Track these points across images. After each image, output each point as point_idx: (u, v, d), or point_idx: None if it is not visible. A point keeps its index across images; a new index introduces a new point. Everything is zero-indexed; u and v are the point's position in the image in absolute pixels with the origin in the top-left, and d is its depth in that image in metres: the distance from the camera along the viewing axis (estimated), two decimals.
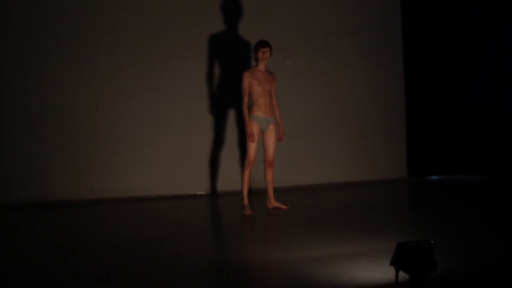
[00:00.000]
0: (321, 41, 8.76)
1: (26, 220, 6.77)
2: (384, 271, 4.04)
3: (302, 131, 8.56)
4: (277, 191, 7.09)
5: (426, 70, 9.25)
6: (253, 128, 6.62)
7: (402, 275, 3.62)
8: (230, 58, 8.32)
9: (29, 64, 7.60)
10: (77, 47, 7.75)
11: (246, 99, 6.64)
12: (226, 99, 8.22)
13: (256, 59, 6.72)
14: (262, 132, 6.75)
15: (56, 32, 7.69)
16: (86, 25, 7.79)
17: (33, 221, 6.75)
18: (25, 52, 7.58)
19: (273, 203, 6.88)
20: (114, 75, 7.89)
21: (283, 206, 6.87)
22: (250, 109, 6.65)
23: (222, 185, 8.25)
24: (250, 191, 7.24)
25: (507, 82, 8.97)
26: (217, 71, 8.28)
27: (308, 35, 8.69)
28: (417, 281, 3.59)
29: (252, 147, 6.63)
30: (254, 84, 6.63)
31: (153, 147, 8.04)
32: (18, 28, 7.55)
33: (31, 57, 7.60)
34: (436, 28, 9.19)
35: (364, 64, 8.99)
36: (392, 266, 3.63)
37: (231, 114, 8.29)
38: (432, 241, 3.70)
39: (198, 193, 8.20)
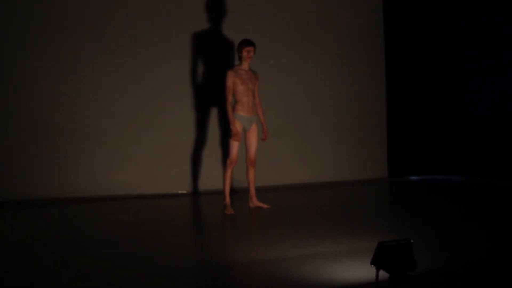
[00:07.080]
0: (303, 39, 8.78)
1: (6, 218, 6.72)
2: (365, 270, 4.08)
3: (283, 130, 8.59)
4: (259, 190, 7.09)
5: (408, 70, 9.30)
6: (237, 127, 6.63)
7: (383, 274, 3.65)
8: (213, 57, 8.31)
9: (10, 60, 7.54)
10: (60, 44, 7.70)
11: (230, 98, 6.63)
12: (208, 98, 8.21)
13: (240, 58, 6.71)
14: (245, 131, 6.76)
15: (40, 29, 7.63)
16: (69, 22, 7.74)
17: (14, 219, 6.70)
18: (8, 48, 7.53)
19: (255, 202, 6.89)
20: (96, 72, 7.85)
21: (265, 205, 6.88)
22: (233, 108, 6.65)
23: (204, 184, 8.25)
24: (232, 190, 7.24)
25: (489, 82, 9.06)
26: (200, 69, 8.27)
27: (290, 33, 8.71)
28: (397, 280, 3.63)
29: (235, 146, 6.63)
30: (237, 83, 6.62)
31: (135, 145, 8.01)
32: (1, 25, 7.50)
33: (13, 53, 7.54)
34: (419, 26, 9.25)
35: (346, 63, 9.04)
36: (372, 265, 3.66)
37: (214, 113, 8.28)
38: (412, 240, 3.74)
39: (180, 191, 8.19)
